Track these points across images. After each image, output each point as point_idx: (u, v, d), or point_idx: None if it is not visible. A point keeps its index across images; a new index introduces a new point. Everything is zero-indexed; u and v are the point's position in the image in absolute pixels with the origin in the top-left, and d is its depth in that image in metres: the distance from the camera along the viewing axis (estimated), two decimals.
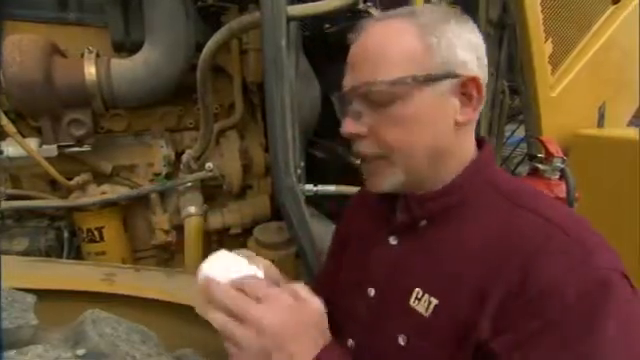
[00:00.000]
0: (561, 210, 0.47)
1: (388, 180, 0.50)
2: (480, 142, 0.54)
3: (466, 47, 0.48)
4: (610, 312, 0.38)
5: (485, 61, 0.50)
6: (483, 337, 0.40)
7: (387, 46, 0.48)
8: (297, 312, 0.42)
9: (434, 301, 0.45)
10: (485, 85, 0.49)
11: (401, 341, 0.46)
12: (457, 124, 0.49)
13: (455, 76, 0.47)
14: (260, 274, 0.46)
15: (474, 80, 0.48)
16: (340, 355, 0.44)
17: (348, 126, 0.50)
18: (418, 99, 0.47)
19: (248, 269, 0.45)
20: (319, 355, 0.41)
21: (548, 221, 0.43)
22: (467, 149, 0.51)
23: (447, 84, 0.47)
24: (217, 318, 0.41)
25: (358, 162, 0.54)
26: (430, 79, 0.47)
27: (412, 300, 0.47)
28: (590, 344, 0.37)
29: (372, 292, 0.52)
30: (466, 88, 0.48)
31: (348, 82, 0.50)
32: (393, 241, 0.53)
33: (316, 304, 0.43)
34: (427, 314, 0.45)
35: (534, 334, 0.38)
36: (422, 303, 0.46)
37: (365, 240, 0.57)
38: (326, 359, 0.41)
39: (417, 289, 0.47)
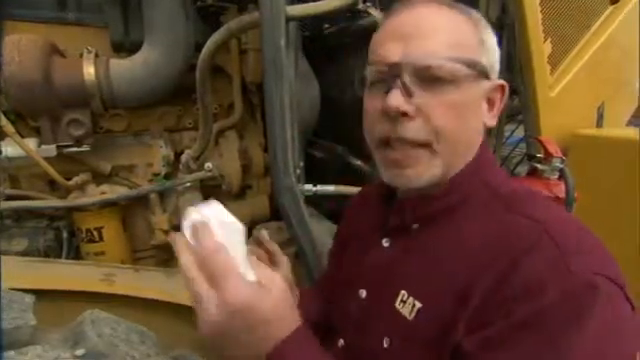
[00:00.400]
0: (556, 213, 0.45)
1: (429, 172, 0.45)
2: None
3: (497, 55, 0.48)
4: (587, 317, 0.35)
5: (496, 70, 0.49)
6: (458, 337, 0.39)
7: (450, 26, 0.45)
8: (269, 296, 0.37)
9: (418, 304, 0.44)
10: None
11: (385, 343, 0.45)
12: (485, 126, 0.48)
13: (491, 79, 0.47)
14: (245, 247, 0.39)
15: (503, 88, 0.48)
16: (307, 339, 0.39)
17: (397, 100, 0.43)
18: (470, 88, 0.44)
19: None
20: (288, 338, 0.37)
21: (540, 223, 0.41)
22: (474, 151, 0.49)
23: (485, 85, 0.46)
24: (187, 265, 0.35)
25: (381, 152, 0.47)
26: (482, 73, 0.45)
27: (398, 303, 0.46)
28: (562, 347, 0.35)
29: (363, 293, 0.51)
30: (493, 94, 0.48)
31: (397, 51, 0.44)
32: (385, 243, 0.52)
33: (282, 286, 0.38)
34: (411, 317, 0.44)
35: (505, 332, 0.37)
36: (407, 306, 0.45)
37: (363, 241, 0.57)
38: (294, 342, 0.37)
39: (403, 292, 0.46)
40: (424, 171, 0.45)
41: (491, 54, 0.47)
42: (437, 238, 0.47)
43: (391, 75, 0.44)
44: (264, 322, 0.36)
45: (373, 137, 0.47)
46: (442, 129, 0.44)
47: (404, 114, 0.43)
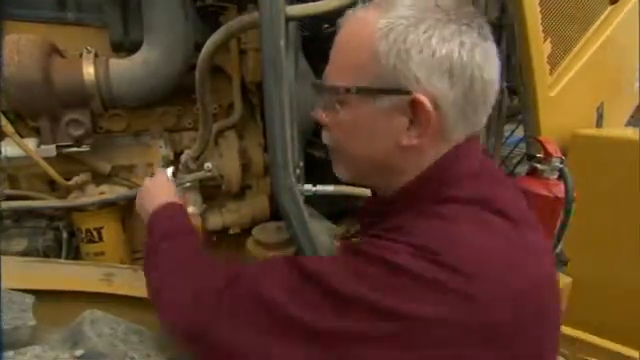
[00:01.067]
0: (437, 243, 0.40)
1: (339, 172, 0.54)
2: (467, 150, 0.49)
3: (425, 61, 0.42)
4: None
5: (464, 75, 0.43)
6: None
7: (344, 48, 0.48)
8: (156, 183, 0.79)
9: None
10: (454, 106, 0.44)
11: None
12: (402, 145, 0.45)
13: (401, 93, 0.43)
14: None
15: (418, 101, 0.42)
16: (178, 210, 0.71)
17: (317, 112, 0.53)
18: (359, 110, 0.46)
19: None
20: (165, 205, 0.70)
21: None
22: (425, 163, 0.47)
23: (390, 100, 0.44)
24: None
25: None
26: (367, 91, 0.44)
27: None
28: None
29: None
30: (412, 109, 0.43)
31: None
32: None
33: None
34: None
35: None
36: None
37: None
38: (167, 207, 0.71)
39: None
40: (337, 170, 0.54)
41: (401, 64, 0.42)
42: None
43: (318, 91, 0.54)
44: (150, 197, 0.76)
45: None
46: (334, 143, 0.52)
47: (322, 123, 0.52)
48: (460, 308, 0.37)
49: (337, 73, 0.48)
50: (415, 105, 0.43)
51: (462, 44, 0.43)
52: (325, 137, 0.53)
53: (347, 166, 0.52)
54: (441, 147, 0.47)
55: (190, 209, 1.08)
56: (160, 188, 0.77)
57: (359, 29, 0.46)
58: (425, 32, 0.42)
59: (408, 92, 0.43)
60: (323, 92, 0.50)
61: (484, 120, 0.49)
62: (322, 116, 0.51)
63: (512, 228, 0.44)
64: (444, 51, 0.42)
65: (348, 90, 0.46)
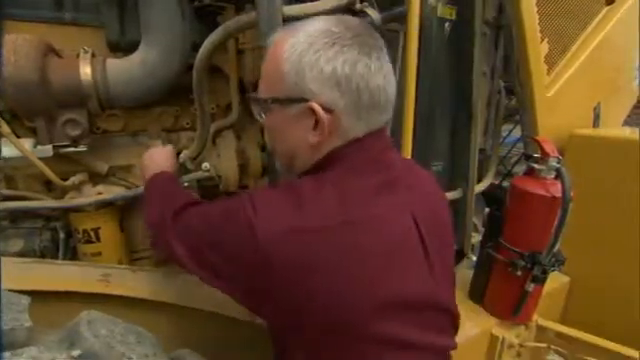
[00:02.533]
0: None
1: (276, 162, 0.73)
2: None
3: (317, 77, 0.55)
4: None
5: (349, 86, 0.55)
6: None
7: (266, 67, 0.61)
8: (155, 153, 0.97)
9: None
10: (347, 110, 0.56)
11: None
12: (312, 142, 0.59)
13: (303, 102, 0.56)
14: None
15: (312, 108, 0.56)
16: (171, 178, 0.88)
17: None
18: (275, 116, 0.61)
19: None
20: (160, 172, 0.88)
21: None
22: (326, 153, 0.61)
23: (296, 108, 0.57)
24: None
25: None
26: (276, 101, 0.59)
27: None
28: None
29: None
30: (314, 114, 0.56)
31: None
32: None
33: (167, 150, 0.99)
34: None
35: None
36: None
37: None
38: (162, 174, 0.87)
39: None
40: (276, 162, 0.74)
41: (299, 79, 0.56)
42: None
43: None
44: (151, 161, 0.93)
45: None
46: (266, 140, 0.73)
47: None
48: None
49: (261, 87, 0.62)
50: (313, 111, 0.56)
51: (345, 61, 0.55)
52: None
53: (275, 156, 0.71)
54: (336, 142, 0.60)
55: None
56: (160, 155, 0.96)
57: (273, 52, 0.59)
58: (314, 53, 0.55)
59: (306, 101, 0.56)
60: (253, 102, 0.66)
61: (382, 119, 0.61)
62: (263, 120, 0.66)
63: (338, 204, 0.55)
64: (330, 68, 0.55)
65: (265, 101, 0.61)
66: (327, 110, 0.56)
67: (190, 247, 0.63)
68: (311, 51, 0.55)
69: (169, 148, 1.01)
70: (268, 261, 0.51)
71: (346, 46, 0.55)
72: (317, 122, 0.57)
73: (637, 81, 1.54)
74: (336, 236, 0.53)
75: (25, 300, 0.60)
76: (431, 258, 0.61)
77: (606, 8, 1.25)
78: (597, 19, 1.26)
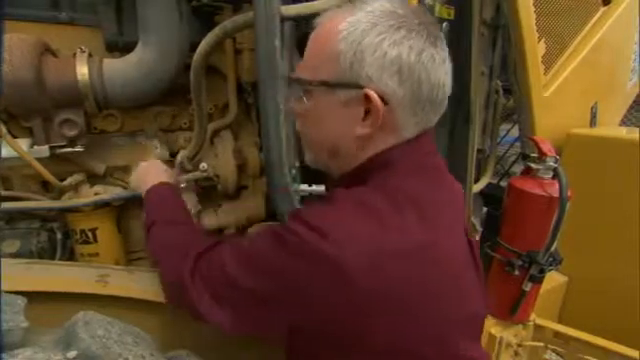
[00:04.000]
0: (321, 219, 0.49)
1: (306, 157, 0.63)
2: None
3: (378, 61, 0.48)
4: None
5: (412, 76, 0.49)
6: None
7: (312, 47, 0.54)
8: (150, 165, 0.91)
9: None
10: (400, 101, 0.50)
11: None
12: (359, 134, 0.52)
13: (355, 88, 0.50)
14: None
15: (368, 97, 0.49)
16: (169, 190, 0.83)
17: (291, 102, 0.61)
18: (322, 101, 0.53)
19: None
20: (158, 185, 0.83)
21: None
22: (372, 153, 0.55)
23: (347, 94, 0.51)
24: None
25: None
26: (327, 85, 0.52)
27: None
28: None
29: None
30: (366, 102, 0.50)
31: None
32: None
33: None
34: None
35: None
36: None
37: None
38: (160, 187, 0.83)
39: None
40: (306, 157, 0.63)
41: (357, 63, 0.49)
42: None
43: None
44: (145, 174, 0.90)
45: None
46: (299, 129, 0.61)
47: (295, 112, 0.61)
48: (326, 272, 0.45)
49: (305, 67, 0.55)
50: (367, 99, 0.50)
51: (411, 48, 0.48)
52: (297, 124, 0.62)
53: (309, 148, 0.61)
54: (389, 140, 0.54)
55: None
56: (151, 167, 0.91)
57: (325, 30, 0.52)
58: (378, 35, 0.48)
59: (361, 87, 0.50)
60: (292, 83, 0.58)
61: (434, 119, 0.55)
62: (294, 105, 0.59)
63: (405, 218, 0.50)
64: (395, 53, 0.48)
65: (311, 83, 0.54)
66: (384, 100, 0.50)
67: (234, 306, 0.52)
68: (374, 32, 0.48)
69: (158, 161, 0.97)
70: (353, 292, 0.44)
71: (413, 31, 0.49)
72: (367, 112, 0.51)
73: (634, 80, 1.55)
74: (420, 257, 0.47)
75: (21, 301, 0.59)
76: (479, 270, 0.59)
77: (602, 9, 1.25)
78: (594, 19, 1.26)
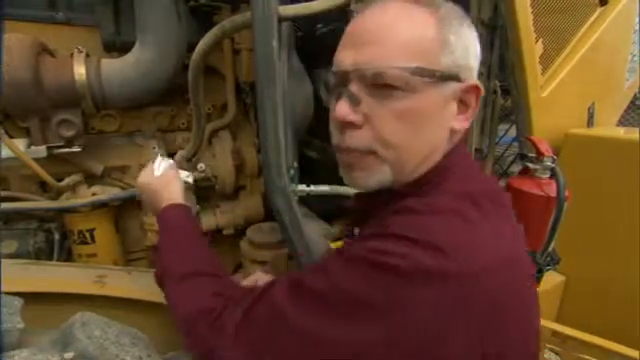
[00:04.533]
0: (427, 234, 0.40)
1: (375, 178, 0.46)
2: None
3: (475, 54, 0.47)
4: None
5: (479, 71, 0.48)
6: None
7: (404, 29, 0.43)
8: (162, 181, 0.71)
9: None
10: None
11: None
12: (452, 131, 0.47)
13: (460, 80, 0.45)
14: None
15: (476, 89, 0.46)
16: (184, 211, 0.67)
17: (343, 110, 0.44)
18: (424, 95, 0.43)
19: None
20: (168, 206, 0.66)
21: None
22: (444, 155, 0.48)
23: (453, 87, 0.44)
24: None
25: (338, 156, 0.50)
26: (442, 77, 0.43)
27: None
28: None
29: None
30: (466, 95, 0.46)
31: (349, 59, 0.44)
32: (357, 232, 0.55)
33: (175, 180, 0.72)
34: None
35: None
36: None
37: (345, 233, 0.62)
38: (171, 209, 0.66)
39: None
40: (371, 176, 0.46)
41: (459, 53, 0.44)
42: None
43: (342, 83, 0.45)
44: (154, 193, 0.70)
45: (332, 142, 0.49)
46: (389, 138, 0.44)
47: (350, 123, 0.44)
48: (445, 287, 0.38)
49: (399, 56, 0.42)
50: (468, 92, 0.46)
51: (476, 40, 0.47)
52: (360, 138, 0.45)
53: (398, 164, 0.45)
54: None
55: None
56: (164, 183, 0.71)
57: (419, 14, 0.44)
58: (469, 27, 0.46)
59: (463, 80, 0.45)
60: (374, 75, 0.43)
61: None
62: (352, 113, 0.44)
63: (493, 218, 0.44)
64: (478, 50, 0.47)
65: (429, 73, 0.42)
66: (478, 93, 0.47)
67: None
68: (466, 23, 0.45)
69: (166, 163, 0.76)
70: (479, 307, 0.38)
71: (469, 25, 0.47)
72: (462, 105, 0.46)
73: (631, 80, 1.55)
74: (514, 262, 0.43)
75: (18, 302, 0.59)
76: None
77: (599, 9, 1.25)
78: (591, 19, 1.26)
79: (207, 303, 0.50)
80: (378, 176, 0.46)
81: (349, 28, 0.46)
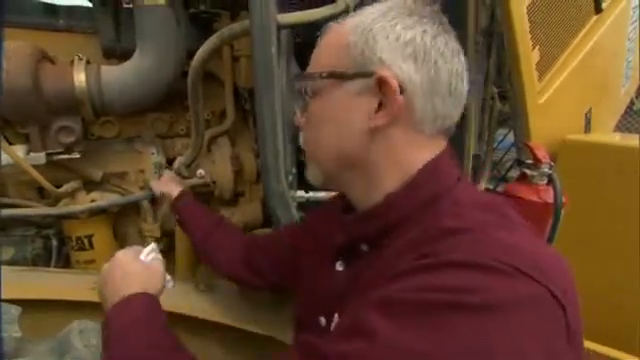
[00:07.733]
0: (481, 251, 0.37)
1: (311, 175, 0.53)
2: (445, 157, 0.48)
3: (392, 44, 0.44)
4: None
5: (428, 61, 0.44)
6: None
7: (319, 50, 0.51)
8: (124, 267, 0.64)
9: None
10: (425, 85, 0.44)
11: None
12: (371, 130, 0.45)
13: (369, 75, 0.44)
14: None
15: (384, 80, 0.43)
16: (150, 302, 0.56)
17: (297, 117, 0.54)
18: (329, 96, 0.47)
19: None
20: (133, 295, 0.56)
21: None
22: (404, 162, 0.46)
23: (359, 83, 0.45)
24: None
25: None
26: (337, 75, 0.45)
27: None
28: None
29: (322, 321, 0.51)
30: (382, 89, 0.44)
31: None
32: (339, 267, 0.51)
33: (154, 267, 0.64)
34: None
35: None
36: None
37: (314, 264, 0.57)
38: (136, 299, 0.55)
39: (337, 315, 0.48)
40: (310, 171, 0.53)
41: (368, 48, 0.44)
42: (382, 260, 0.44)
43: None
44: (131, 275, 0.62)
45: None
46: (305, 139, 0.53)
47: (300, 126, 0.54)
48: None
49: (312, 66, 0.51)
50: (382, 84, 0.44)
51: (425, 32, 0.45)
52: (301, 139, 0.54)
53: (318, 165, 0.51)
54: (411, 137, 0.46)
55: None
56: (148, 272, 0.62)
57: (334, 33, 0.49)
58: (390, 20, 0.45)
59: (374, 73, 0.44)
60: (297, 83, 0.52)
61: (455, 116, 0.49)
62: (299, 118, 0.53)
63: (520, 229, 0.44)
64: (408, 36, 0.44)
65: (321, 75, 0.47)
66: (400, 87, 0.44)
67: None
68: (386, 18, 0.45)
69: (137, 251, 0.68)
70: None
71: (425, 17, 0.45)
72: (382, 102, 0.44)
73: (627, 85, 1.56)
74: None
75: (15, 310, 0.59)
76: None
77: (595, 17, 1.27)
78: (587, 26, 1.28)
79: None
80: (312, 173, 0.53)
81: None
